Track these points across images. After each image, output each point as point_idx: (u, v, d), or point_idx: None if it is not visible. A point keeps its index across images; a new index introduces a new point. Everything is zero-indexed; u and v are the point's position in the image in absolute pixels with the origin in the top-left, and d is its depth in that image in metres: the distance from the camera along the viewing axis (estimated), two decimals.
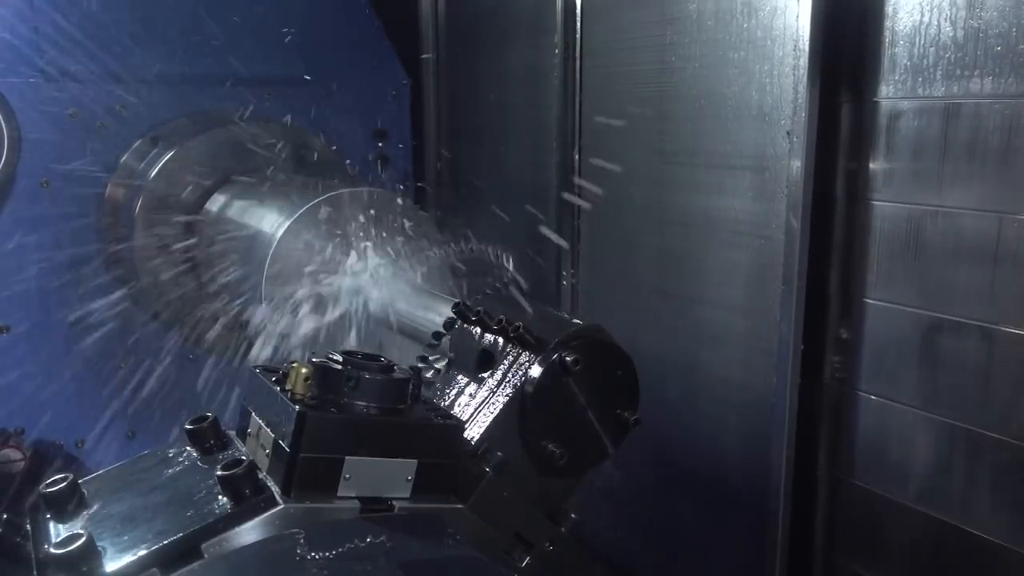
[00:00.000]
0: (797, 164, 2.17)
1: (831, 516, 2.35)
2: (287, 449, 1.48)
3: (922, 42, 2.00)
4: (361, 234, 2.48)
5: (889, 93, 2.08)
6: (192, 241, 3.06)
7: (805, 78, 2.12)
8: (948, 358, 2.05)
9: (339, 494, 1.50)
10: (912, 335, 2.10)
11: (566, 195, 2.93)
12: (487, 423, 1.78)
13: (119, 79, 3.07)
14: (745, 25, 2.29)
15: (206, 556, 1.38)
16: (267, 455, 1.55)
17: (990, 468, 1.99)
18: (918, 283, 2.08)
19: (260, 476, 1.51)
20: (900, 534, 2.19)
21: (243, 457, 1.54)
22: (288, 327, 2.41)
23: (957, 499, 2.06)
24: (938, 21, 1.96)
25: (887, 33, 2.07)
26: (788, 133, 2.19)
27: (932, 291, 2.06)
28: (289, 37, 3.32)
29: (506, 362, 1.84)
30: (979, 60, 1.90)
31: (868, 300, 2.19)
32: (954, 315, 2.02)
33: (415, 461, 1.57)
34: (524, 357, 1.82)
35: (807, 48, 2.11)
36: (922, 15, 1.99)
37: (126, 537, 1.42)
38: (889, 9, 2.06)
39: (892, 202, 2.11)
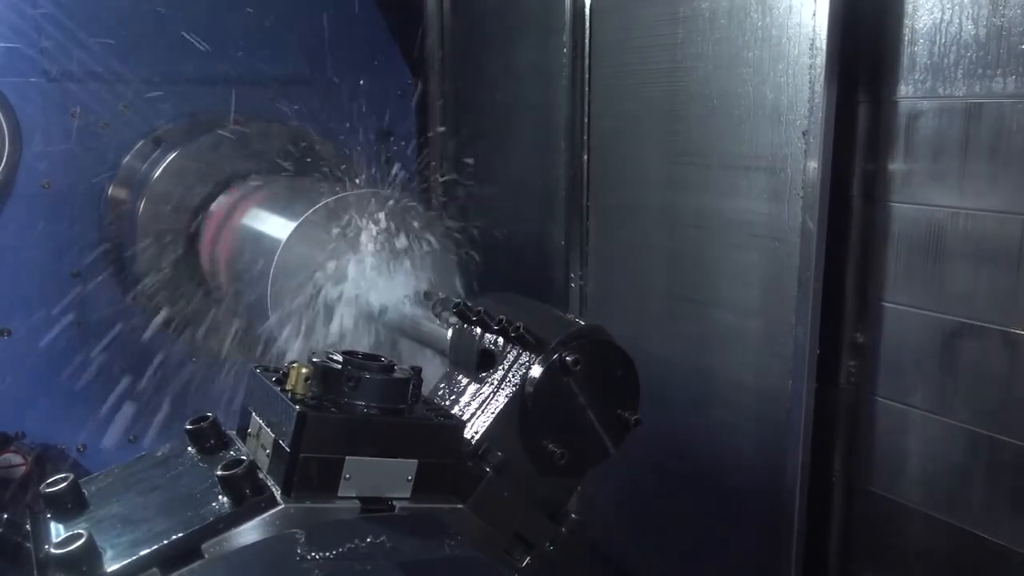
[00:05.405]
0: (813, 165, 2.13)
1: (847, 523, 2.32)
2: (287, 449, 1.49)
3: (943, 40, 1.96)
4: (365, 236, 2.46)
5: (908, 93, 2.05)
6: (194, 244, 3.03)
7: (822, 77, 2.08)
8: (967, 363, 2.01)
9: (339, 494, 1.51)
10: (931, 339, 2.07)
11: None
12: (488, 423, 1.80)
13: (121, 79, 3.04)
14: (760, 23, 2.25)
15: (206, 556, 1.39)
16: (267, 455, 1.56)
17: (1011, 474, 1.96)
18: (937, 286, 2.04)
19: (260, 476, 1.51)
20: (918, 542, 2.16)
21: (243, 457, 1.55)
22: (293, 329, 2.39)
23: (976, 506, 2.03)
24: (959, 19, 1.92)
25: (906, 31, 2.03)
26: (804, 133, 2.15)
27: (951, 295, 2.02)
28: (293, 37, 3.29)
29: (506, 362, 1.86)
30: (1002, 59, 1.86)
31: (885, 303, 2.15)
32: (974, 319, 1.98)
33: (415, 461, 1.58)
34: (524, 357, 1.84)
35: (824, 47, 2.07)
36: (943, 13, 1.95)
37: (126, 537, 1.43)
38: (909, 7, 2.02)
39: (911, 204, 2.08)
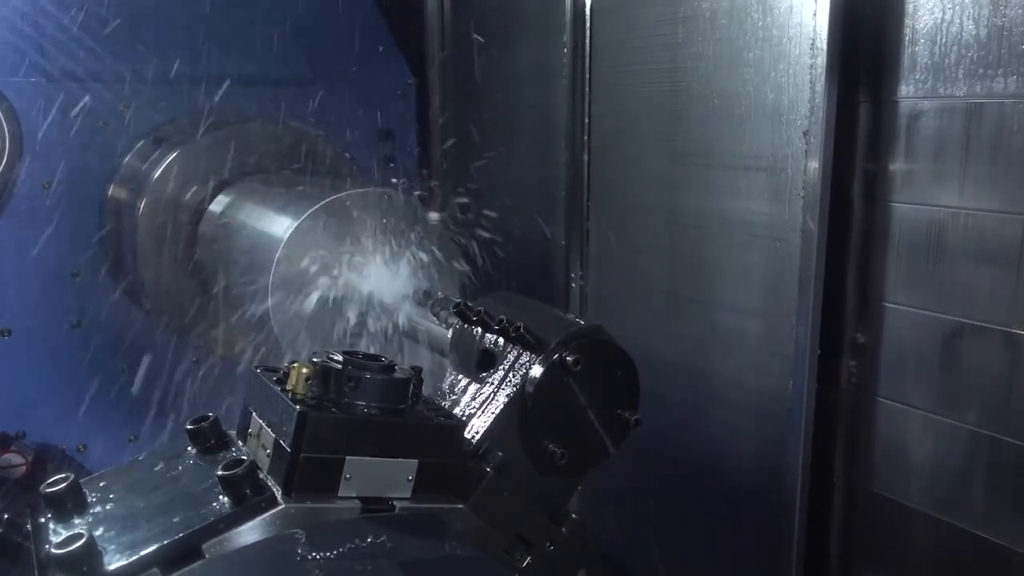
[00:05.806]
0: (814, 165, 2.13)
1: (848, 523, 2.31)
2: (288, 449, 1.49)
3: (944, 40, 1.96)
4: (366, 235, 2.46)
5: (909, 93, 2.04)
6: (195, 243, 3.03)
7: (822, 77, 2.08)
8: (968, 363, 2.01)
9: (340, 494, 1.51)
10: (931, 340, 2.06)
11: None
12: (488, 423, 1.80)
13: (122, 79, 3.04)
14: (760, 23, 2.25)
15: (207, 556, 1.39)
16: (268, 455, 1.56)
17: (1011, 474, 1.95)
18: (938, 287, 2.04)
19: (261, 476, 1.51)
20: (919, 543, 2.15)
21: (244, 457, 1.55)
22: (293, 328, 2.39)
23: (978, 507, 2.02)
24: (960, 19, 1.92)
25: (907, 31, 2.03)
26: (805, 133, 2.15)
27: (952, 295, 2.02)
28: (293, 37, 3.29)
29: (507, 362, 1.86)
30: (1003, 59, 1.86)
31: (886, 304, 2.15)
32: (975, 319, 1.98)
33: (416, 461, 1.58)
34: (525, 357, 1.84)
35: (825, 46, 2.07)
36: (944, 13, 1.95)
37: (127, 537, 1.43)
38: (909, 7, 2.02)
39: (912, 204, 2.07)
